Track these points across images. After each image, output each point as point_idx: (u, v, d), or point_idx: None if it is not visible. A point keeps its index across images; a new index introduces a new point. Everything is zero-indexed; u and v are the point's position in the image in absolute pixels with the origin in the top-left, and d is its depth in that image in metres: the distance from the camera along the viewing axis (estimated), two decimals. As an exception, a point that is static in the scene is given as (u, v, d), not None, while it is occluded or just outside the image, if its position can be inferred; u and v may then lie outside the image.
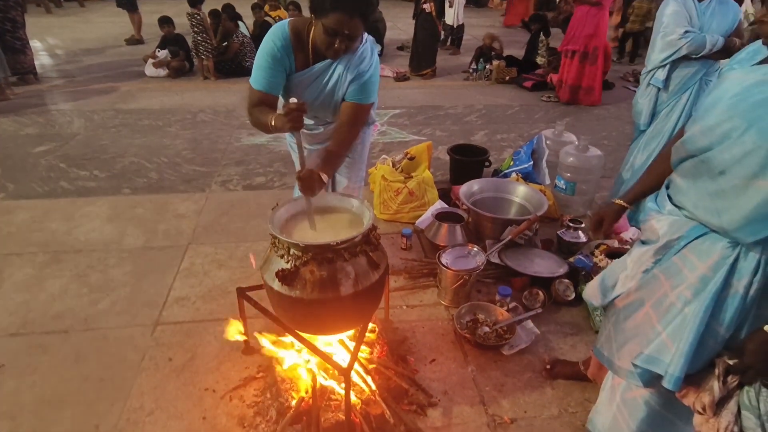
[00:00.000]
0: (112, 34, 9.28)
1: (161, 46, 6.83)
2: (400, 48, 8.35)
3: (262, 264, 1.66)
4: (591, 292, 1.57)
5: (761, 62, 1.17)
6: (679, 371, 1.23)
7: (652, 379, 1.32)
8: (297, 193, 2.38)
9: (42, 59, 7.40)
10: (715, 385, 1.20)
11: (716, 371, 1.21)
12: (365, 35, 1.86)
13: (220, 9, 6.75)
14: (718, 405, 1.20)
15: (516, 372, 2.05)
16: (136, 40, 8.62)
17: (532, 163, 3.48)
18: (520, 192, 3.06)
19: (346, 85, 1.84)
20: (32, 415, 1.82)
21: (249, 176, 3.82)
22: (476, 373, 2.05)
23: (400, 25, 10.49)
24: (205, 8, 6.57)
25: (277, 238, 1.56)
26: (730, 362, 1.20)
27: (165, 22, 6.80)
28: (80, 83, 6.30)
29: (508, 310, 2.28)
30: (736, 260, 1.18)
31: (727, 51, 2.55)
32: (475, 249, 2.48)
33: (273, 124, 1.64)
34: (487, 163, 3.59)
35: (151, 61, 6.68)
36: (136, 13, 8.63)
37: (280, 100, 1.95)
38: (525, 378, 2.03)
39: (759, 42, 1.22)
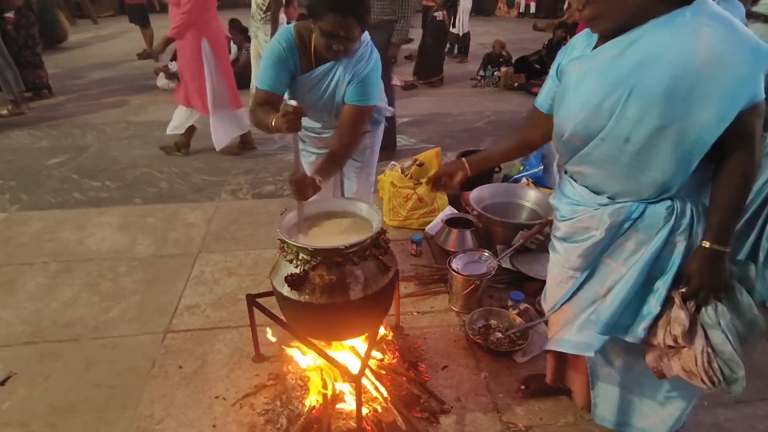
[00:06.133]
0: (124, 49, 9.40)
1: (174, 59, 6.90)
2: (408, 57, 8.37)
3: (271, 270, 1.65)
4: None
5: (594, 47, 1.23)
6: (609, 316, 1.31)
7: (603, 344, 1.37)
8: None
9: (56, 74, 7.53)
10: (681, 314, 1.22)
11: (676, 302, 1.24)
12: (366, 38, 1.87)
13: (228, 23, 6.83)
14: (689, 333, 1.22)
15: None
16: (147, 55, 8.74)
17: (542, 167, 3.45)
18: (531, 196, 3.03)
19: (344, 87, 1.85)
20: (43, 422, 1.82)
21: (258, 185, 3.83)
22: (489, 379, 2.01)
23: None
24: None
25: (286, 243, 1.56)
26: (683, 290, 1.23)
27: None
28: (93, 97, 6.40)
29: (518, 314, 2.24)
30: (676, 219, 1.22)
31: None
32: (486, 254, 2.45)
33: (273, 124, 1.65)
34: (497, 169, 3.57)
35: (162, 73, 6.75)
36: (148, 29, 8.78)
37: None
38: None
39: (581, 35, 1.29)
